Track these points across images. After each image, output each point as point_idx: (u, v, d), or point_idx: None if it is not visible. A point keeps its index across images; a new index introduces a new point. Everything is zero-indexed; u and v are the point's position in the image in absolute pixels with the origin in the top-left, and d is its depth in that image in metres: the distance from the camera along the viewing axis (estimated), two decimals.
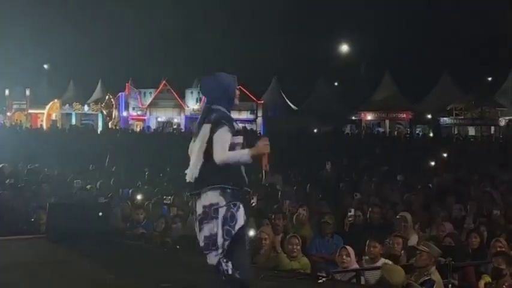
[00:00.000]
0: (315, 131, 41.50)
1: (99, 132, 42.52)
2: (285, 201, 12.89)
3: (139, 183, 15.96)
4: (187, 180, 5.83)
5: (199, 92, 47.80)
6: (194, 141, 5.92)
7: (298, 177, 17.12)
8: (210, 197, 5.73)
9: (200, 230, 5.79)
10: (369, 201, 12.97)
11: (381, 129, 44.49)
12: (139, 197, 13.44)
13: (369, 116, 47.29)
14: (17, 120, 51.25)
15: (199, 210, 5.78)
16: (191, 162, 5.85)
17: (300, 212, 11.35)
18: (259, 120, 46.12)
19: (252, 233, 10.35)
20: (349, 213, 11.51)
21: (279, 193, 14.25)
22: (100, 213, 9.25)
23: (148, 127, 42.86)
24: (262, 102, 46.94)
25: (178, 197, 13.36)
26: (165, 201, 13.19)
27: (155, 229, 10.73)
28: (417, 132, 43.11)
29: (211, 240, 5.70)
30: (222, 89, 6.30)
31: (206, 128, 5.86)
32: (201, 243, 5.79)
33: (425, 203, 12.92)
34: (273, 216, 11.08)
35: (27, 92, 53.40)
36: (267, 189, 14.71)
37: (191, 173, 5.80)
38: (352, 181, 16.57)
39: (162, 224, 10.77)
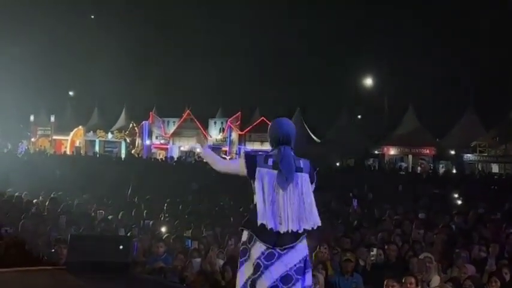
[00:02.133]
0: (337, 164, 41.47)
1: (122, 158, 42.78)
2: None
3: (161, 215, 15.96)
4: (285, 230, 5.60)
5: (222, 122, 48.08)
6: (284, 188, 5.69)
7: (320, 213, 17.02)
8: (303, 247, 5.75)
9: (297, 280, 5.60)
10: (390, 239, 12.88)
11: (404, 164, 44.30)
12: (160, 229, 13.44)
13: (392, 151, 47.08)
14: (41, 146, 51.77)
15: (294, 260, 5.62)
16: (294, 213, 5.64)
17: (321, 250, 11.29)
18: None
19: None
20: (372, 253, 11.41)
21: None
22: (121, 246, 9.21)
23: (172, 157, 42.94)
24: None
25: (198, 230, 13.36)
26: (185, 235, 13.18)
27: (175, 263, 10.70)
28: (441, 167, 42.91)
29: None
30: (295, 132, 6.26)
31: (304, 178, 5.87)
32: (301, 281, 5.63)
33: (447, 242, 12.79)
34: None
35: (52, 119, 54.05)
36: None
37: (300, 222, 5.66)
38: (375, 218, 16.45)
39: (182, 258, 10.74)
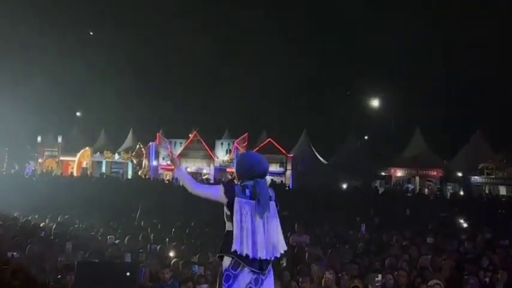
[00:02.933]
0: (344, 186, 41.44)
1: (129, 178, 42.85)
2: (312, 265, 12.73)
3: (167, 239, 15.91)
4: (265, 257, 6.05)
5: (229, 143, 48.12)
6: (261, 217, 6.12)
7: (326, 237, 16.94)
8: (272, 272, 6.25)
9: None
10: (397, 264, 12.82)
11: (411, 186, 44.18)
12: (167, 254, 13.40)
13: (399, 173, 46.97)
14: (48, 167, 51.81)
15: (271, 284, 6.14)
16: (269, 240, 6.11)
17: (326, 276, 11.25)
18: (288, 173, 46.07)
19: None
20: (376, 279, 11.37)
21: (306, 255, 14.07)
22: (128, 273, 9.19)
23: (177, 179, 42.94)
24: (291, 155, 46.95)
25: (205, 255, 13.31)
26: (192, 260, 13.13)
27: None
28: (448, 190, 42.79)
29: None
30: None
31: (273, 206, 6.31)
32: None
33: (456, 268, 12.72)
34: (300, 279, 10.99)
35: (59, 139, 54.06)
36: (293, 250, 14.60)
37: (274, 249, 6.14)
38: (382, 243, 16.38)
39: (189, 285, 10.70)
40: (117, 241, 14.54)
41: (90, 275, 9.18)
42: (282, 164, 46.36)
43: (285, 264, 12.86)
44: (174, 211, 22.51)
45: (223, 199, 6.15)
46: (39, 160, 54.23)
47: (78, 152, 53.04)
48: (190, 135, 49.92)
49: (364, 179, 43.69)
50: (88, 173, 49.14)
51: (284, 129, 51.56)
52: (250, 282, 5.96)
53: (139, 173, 50.02)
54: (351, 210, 22.79)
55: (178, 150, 49.77)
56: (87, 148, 53.42)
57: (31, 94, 51.55)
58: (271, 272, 6.19)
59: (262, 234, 6.04)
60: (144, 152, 50.89)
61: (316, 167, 48.59)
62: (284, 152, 46.50)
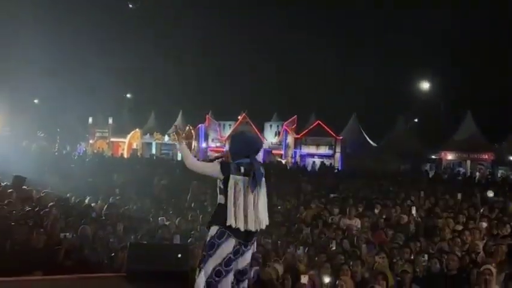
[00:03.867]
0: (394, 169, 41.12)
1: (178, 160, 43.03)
2: (362, 247, 12.68)
3: None
4: (254, 229, 6.58)
5: (278, 126, 48.08)
6: (253, 192, 6.61)
7: (377, 221, 16.79)
8: (255, 244, 6.89)
9: (247, 275, 6.78)
10: (448, 249, 12.66)
11: (462, 170, 43.69)
12: None
13: (450, 156, 46.48)
14: (99, 148, 52.40)
15: (249, 257, 6.74)
16: (258, 214, 6.61)
17: (376, 260, 11.18)
18: (337, 156, 45.88)
19: (327, 279, 10.24)
20: (423, 258, 11.30)
21: (355, 238, 13.98)
22: (179, 255, 9.24)
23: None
24: (341, 138, 46.72)
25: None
26: None
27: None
28: (499, 173, 42.24)
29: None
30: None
31: (264, 182, 6.79)
32: (250, 274, 7.02)
33: (508, 252, 12.49)
34: (351, 263, 10.93)
35: (110, 121, 54.65)
36: (343, 233, 14.53)
37: (261, 222, 6.65)
38: (434, 227, 16.17)
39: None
40: (167, 222, 14.61)
41: (143, 257, 9.26)
42: (331, 146, 46.20)
43: (334, 248, 12.81)
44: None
45: (219, 175, 6.61)
46: (90, 141, 54.90)
47: (129, 133, 53.55)
48: (239, 117, 50.04)
49: (413, 162, 43.34)
50: (138, 154, 49.58)
51: (333, 111, 51.33)
52: (230, 252, 6.46)
53: None
54: (401, 194, 22.50)
55: (228, 132, 49.90)
56: (137, 129, 53.92)
57: (82, 76, 52.16)
58: (253, 246, 6.78)
59: (252, 208, 6.53)
60: (193, 133, 51.13)
61: (365, 149, 48.30)
62: (333, 134, 46.29)
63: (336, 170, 40.66)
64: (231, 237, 6.46)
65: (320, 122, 46.74)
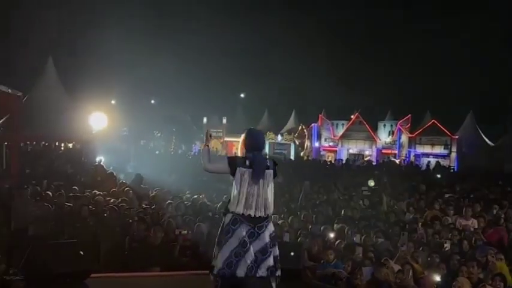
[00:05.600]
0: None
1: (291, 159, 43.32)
2: (480, 249, 12.42)
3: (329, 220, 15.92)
4: (257, 215, 7.23)
5: (391, 125, 47.56)
6: (256, 183, 7.28)
7: (495, 221, 16.37)
8: (271, 226, 7.43)
9: (269, 253, 7.29)
10: None
11: None
12: (330, 235, 13.43)
13: None
14: (213, 147, 53.20)
15: (267, 238, 7.29)
16: (261, 202, 7.28)
17: (489, 260, 10.96)
18: (453, 155, 44.94)
19: (437, 278, 10.11)
20: None
21: (472, 239, 13.71)
22: (292, 253, 9.33)
23: (340, 160, 42.85)
24: (456, 137, 45.74)
25: (368, 236, 13.27)
26: (355, 239, 13.12)
27: (345, 270, 10.67)
28: None
29: (276, 260, 7.38)
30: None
31: (270, 173, 7.42)
32: (271, 263, 7.28)
33: None
34: (467, 264, 10.74)
35: (224, 121, 55.38)
36: (460, 234, 14.27)
37: (266, 209, 7.30)
38: None
39: (349, 266, 10.73)
40: (280, 221, 14.72)
41: None
42: (447, 145, 45.29)
43: (448, 248, 12.63)
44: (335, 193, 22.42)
45: (228, 170, 7.38)
46: None
47: (242, 133, 54.02)
48: (352, 116, 49.80)
49: None
50: None
51: (449, 110, 50.27)
52: (244, 236, 7.16)
53: (302, 154, 50.40)
54: None
55: (340, 131, 49.76)
56: None
57: (198, 77, 53.13)
58: (268, 228, 7.33)
59: (256, 196, 7.22)
60: (306, 133, 51.23)
61: (481, 149, 47.05)
62: (449, 133, 45.38)
63: (452, 170, 39.85)
64: (243, 223, 7.18)
65: (435, 121, 45.88)
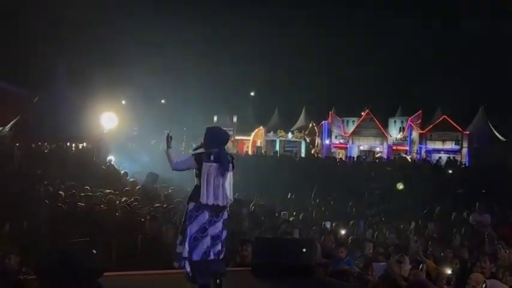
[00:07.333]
0: None
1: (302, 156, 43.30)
2: (490, 243, 12.41)
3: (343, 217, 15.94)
4: (222, 204, 7.87)
5: (402, 121, 47.48)
6: (222, 175, 7.89)
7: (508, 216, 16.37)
8: (226, 214, 8.05)
9: (220, 238, 7.91)
10: None
11: None
12: (342, 231, 13.43)
13: None
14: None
15: (221, 224, 7.92)
16: (225, 192, 7.90)
17: (501, 255, 10.95)
18: (464, 151, 44.85)
19: (449, 271, 10.11)
20: None
21: (486, 234, 13.66)
22: (304, 249, 9.35)
23: (351, 157, 42.84)
24: (468, 132, 45.62)
25: (381, 233, 13.28)
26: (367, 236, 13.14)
27: (357, 266, 10.67)
28: None
29: (223, 244, 7.97)
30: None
31: (231, 167, 8.05)
32: (219, 247, 7.88)
33: None
34: (480, 259, 10.72)
35: (235, 119, 55.41)
36: (471, 228, 14.25)
37: (228, 198, 7.93)
38: None
39: (360, 262, 10.73)
40: (291, 218, 14.74)
41: (268, 251, 9.43)
42: (458, 141, 45.22)
43: (458, 242, 12.63)
44: (344, 189, 22.42)
45: (195, 165, 7.99)
46: None
47: (252, 131, 54.11)
48: (362, 113, 49.76)
49: None
50: (262, 151, 50.06)
51: (459, 106, 50.05)
52: (205, 222, 7.79)
53: (312, 151, 50.37)
54: None
55: (351, 128, 49.73)
56: (260, 127, 54.41)
57: (207, 76, 53.15)
58: (223, 215, 7.95)
59: (221, 188, 7.86)
60: (316, 130, 51.23)
61: (493, 144, 46.89)
62: (460, 129, 45.28)
63: (463, 166, 39.76)
64: (205, 211, 7.79)
65: (446, 117, 45.81)
